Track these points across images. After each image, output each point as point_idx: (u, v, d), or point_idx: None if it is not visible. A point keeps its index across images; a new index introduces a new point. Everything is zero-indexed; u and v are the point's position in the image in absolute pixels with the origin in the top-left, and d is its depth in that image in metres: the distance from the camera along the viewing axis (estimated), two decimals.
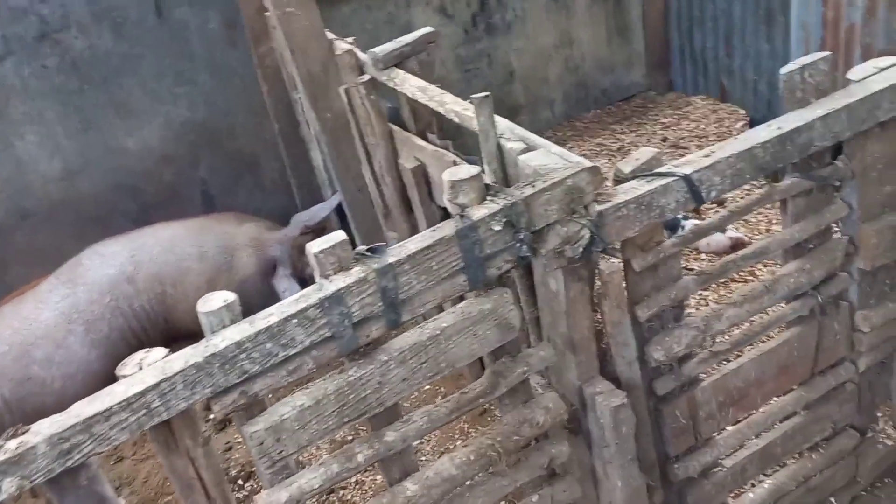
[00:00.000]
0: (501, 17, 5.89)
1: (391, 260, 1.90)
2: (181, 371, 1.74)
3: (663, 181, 2.13)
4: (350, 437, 3.77)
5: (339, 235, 1.93)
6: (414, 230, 3.65)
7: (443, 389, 4.00)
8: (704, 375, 2.59)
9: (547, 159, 2.16)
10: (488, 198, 2.04)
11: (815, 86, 2.39)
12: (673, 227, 4.48)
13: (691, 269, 4.28)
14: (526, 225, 2.02)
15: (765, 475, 2.98)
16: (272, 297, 4.67)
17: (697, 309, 3.88)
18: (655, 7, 6.32)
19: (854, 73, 2.45)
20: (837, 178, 2.51)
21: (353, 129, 3.73)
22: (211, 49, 5.09)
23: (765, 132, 2.25)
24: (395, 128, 3.44)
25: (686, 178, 2.14)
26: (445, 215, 2.32)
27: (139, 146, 5.17)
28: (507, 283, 2.13)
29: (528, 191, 2.02)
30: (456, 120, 2.77)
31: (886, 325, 2.78)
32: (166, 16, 4.89)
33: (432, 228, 1.98)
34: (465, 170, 2.02)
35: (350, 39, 3.86)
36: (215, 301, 1.84)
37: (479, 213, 1.98)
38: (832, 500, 3.06)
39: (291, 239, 4.69)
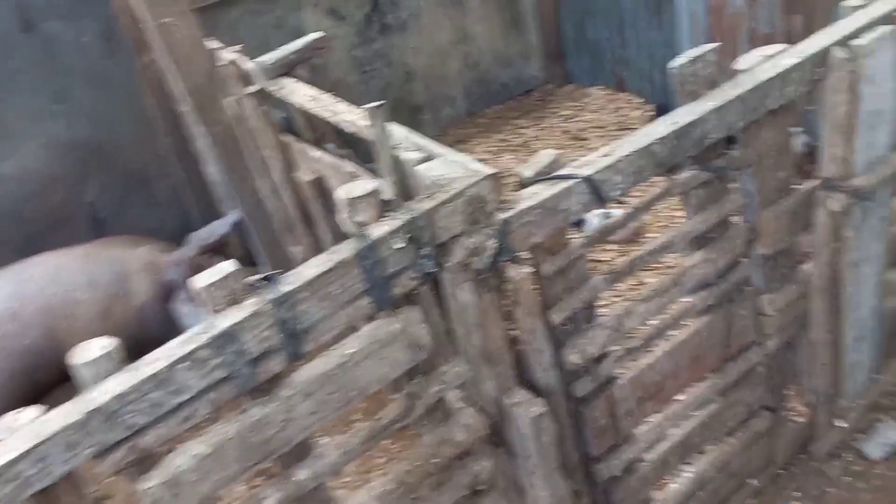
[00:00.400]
0: (395, 17, 5.78)
1: (287, 288, 1.77)
2: (58, 432, 1.56)
3: (565, 184, 2.08)
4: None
5: (228, 266, 1.78)
6: (318, 244, 3.52)
7: (365, 404, 3.88)
8: (621, 373, 2.57)
9: (446, 168, 2.07)
10: (388, 213, 1.93)
11: (706, 77, 2.39)
12: (579, 221, 4.50)
13: (599, 262, 4.31)
14: (429, 239, 1.93)
15: (686, 465, 3.01)
16: (174, 323, 4.43)
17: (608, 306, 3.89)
18: None
19: (742, 62, 2.47)
20: (734, 168, 2.54)
21: (246, 142, 3.55)
22: (88, 62, 4.77)
23: (661, 127, 2.23)
24: (289, 139, 3.29)
25: (588, 180, 2.10)
26: None
27: (18, 170, 4.80)
28: (415, 301, 2.04)
29: (429, 203, 1.92)
30: (351, 129, 2.64)
31: (790, 306, 2.84)
32: (35, 30, 4.55)
33: (330, 251, 1.86)
34: (361, 186, 1.91)
35: (236, 48, 3.68)
36: (93, 350, 1.66)
37: (378, 231, 1.88)
38: (752, 482, 3.11)
39: (189, 259, 4.44)
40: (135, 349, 4.26)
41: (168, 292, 4.41)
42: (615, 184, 2.17)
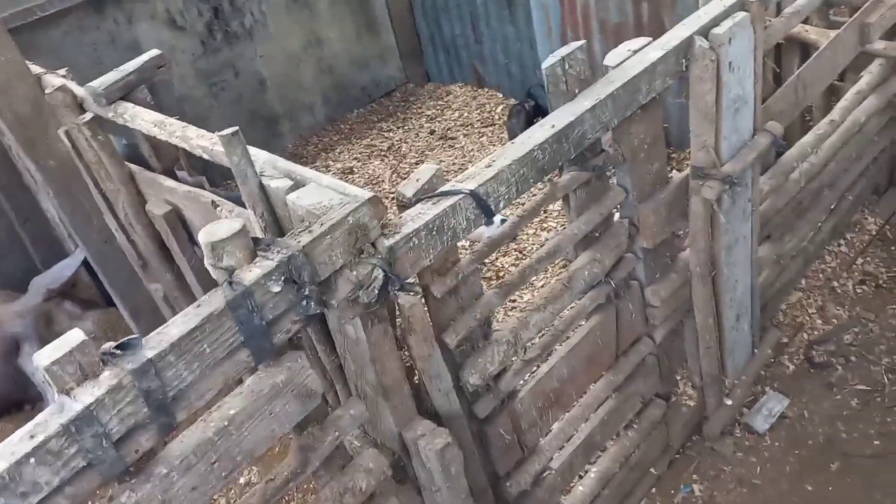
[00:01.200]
0: (240, 23, 5.47)
1: (150, 354, 1.53)
2: None
3: (450, 201, 1.95)
4: None
5: (75, 337, 1.52)
6: (179, 279, 3.21)
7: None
8: (520, 385, 2.49)
9: (320, 196, 1.89)
10: (259, 253, 1.72)
11: (577, 76, 2.33)
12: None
13: (483, 264, 4.23)
14: (310, 278, 1.74)
15: (590, 464, 2.98)
16: (20, 382, 3.96)
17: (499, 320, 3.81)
18: None
19: (610, 58, 2.43)
20: (611, 165, 2.50)
21: (85, 176, 3.19)
22: None
23: (540, 133, 2.14)
24: (135, 168, 2.97)
25: (473, 194, 1.98)
26: None
27: None
28: (300, 345, 1.84)
29: (305, 238, 1.73)
30: (205, 157, 2.39)
31: (673, 295, 2.86)
32: None
33: (196, 304, 1.63)
34: (226, 226, 1.69)
35: (62, 71, 3.29)
36: None
37: (251, 274, 1.67)
38: (652, 470, 3.14)
39: (34, 308, 3.99)
40: None
41: (12, 348, 3.94)
42: (500, 194, 2.06)
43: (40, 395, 3.93)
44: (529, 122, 5.29)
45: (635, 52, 2.44)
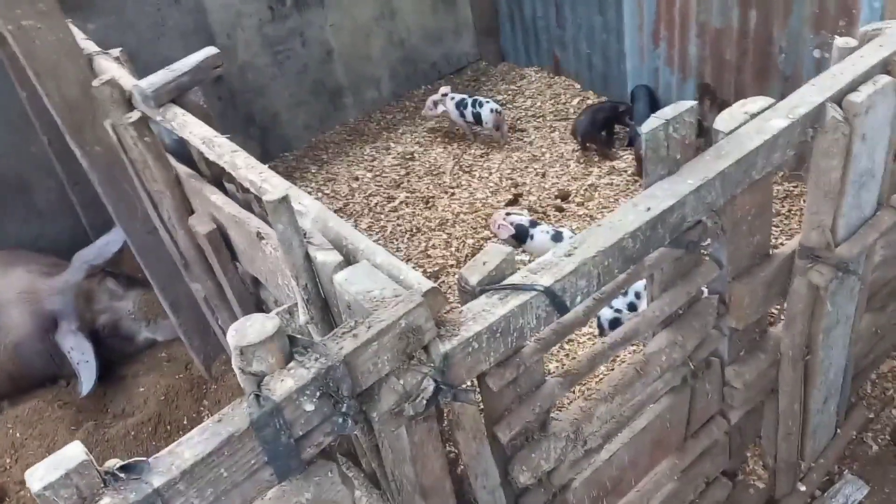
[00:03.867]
0: None
1: (157, 482, 1.32)
2: None
3: (520, 299, 1.67)
4: None
5: (73, 455, 1.32)
6: (220, 290, 3.02)
7: None
8: (575, 476, 2.23)
9: (371, 281, 1.63)
10: (295, 357, 1.48)
11: (681, 140, 1.99)
12: (522, 237, 4.12)
13: None
14: (349, 392, 1.49)
15: None
16: (56, 358, 3.87)
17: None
18: None
19: (722, 121, 2.08)
20: (707, 238, 2.17)
21: (130, 170, 2.99)
22: None
23: (633, 216, 1.83)
24: (182, 173, 2.75)
25: (548, 292, 1.69)
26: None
27: None
28: (331, 455, 1.61)
29: (349, 344, 1.48)
30: (252, 191, 2.15)
31: (759, 377, 2.54)
32: None
33: (216, 418, 1.41)
34: (258, 327, 1.44)
35: (115, 51, 3.07)
36: None
37: (282, 386, 1.43)
38: None
39: (75, 285, 3.88)
40: (10, 386, 3.69)
41: (50, 324, 3.85)
42: (578, 289, 1.77)
43: (75, 373, 3.84)
44: (605, 126, 4.91)
45: (753, 115, 2.07)
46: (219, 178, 2.74)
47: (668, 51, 4.68)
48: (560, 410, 2.29)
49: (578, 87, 5.55)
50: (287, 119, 5.42)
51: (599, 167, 4.76)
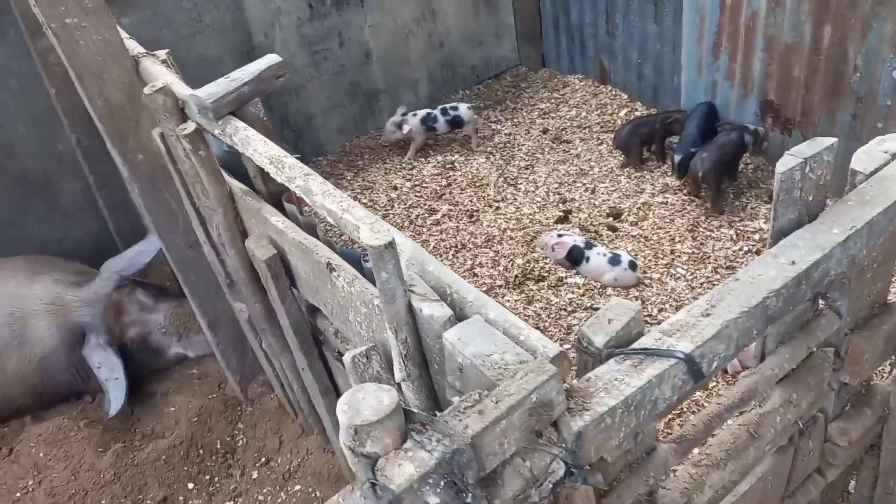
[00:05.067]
0: None
1: None
2: None
3: (657, 367, 1.45)
4: None
5: None
6: (270, 314, 2.80)
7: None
8: None
9: (488, 343, 1.42)
10: (413, 436, 1.27)
11: (816, 181, 1.78)
12: (577, 259, 3.90)
13: (598, 309, 3.73)
14: (474, 479, 1.28)
15: None
16: (82, 373, 3.67)
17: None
18: None
19: (860, 160, 1.86)
20: (831, 286, 1.96)
21: (178, 183, 2.78)
22: None
23: (775, 270, 1.61)
24: (237, 190, 2.54)
25: (687, 359, 1.48)
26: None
27: None
28: None
29: (475, 424, 1.27)
30: (329, 221, 1.93)
31: (864, 434, 2.33)
32: None
33: None
34: (373, 403, 1.23)
35: (163, 53, 2.85)
36: None
37: (400, 472, 1.22)
38: None
39: (105, 297, 3.66)
40: (34, 401, 3.48)
41: (78, 337, 3.64)
42: (717, 354, 1.55)
43: (101, 388, 3.63)
44: (648, 141, 4.65)
45: (894, 156, 1.86)
46: (277, 196, 2.53)
47: (730, 64, 4.45)
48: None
49: (626, 97, 5.33)
50: (322, 122, 5.20)
51: (652, 184, 4.53)
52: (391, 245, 1.45)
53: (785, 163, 1.74)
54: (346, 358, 1.80)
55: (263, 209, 2.44)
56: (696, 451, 2.34)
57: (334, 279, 2.11)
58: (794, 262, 1.63)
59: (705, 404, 3.29)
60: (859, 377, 2.15)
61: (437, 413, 1.32)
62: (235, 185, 2.59)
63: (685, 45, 4.67)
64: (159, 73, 2.63)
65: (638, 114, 5.15)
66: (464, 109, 4.96)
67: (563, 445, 1.37)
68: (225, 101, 2.31)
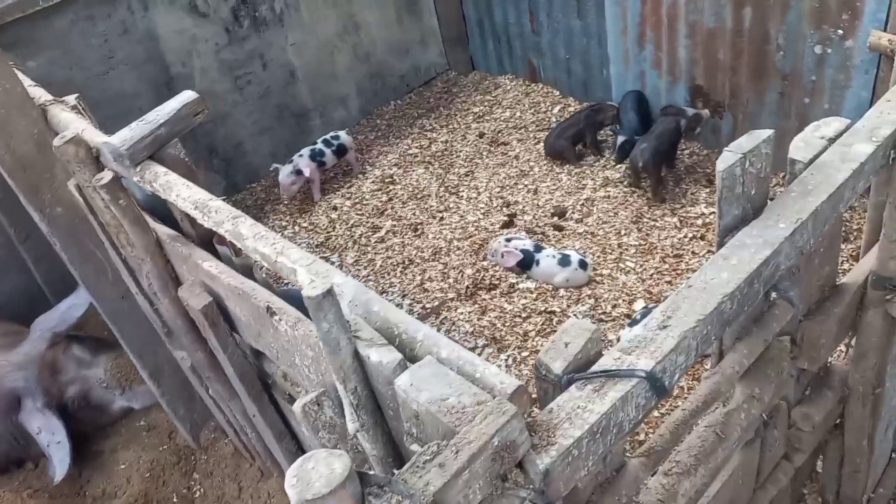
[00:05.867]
0: (269, 8, 4.79)
1: None
2: None
3: (619, 389, 1.40)
4: None
5: None
6: (213, 361, 2.67)
7: None
8: None
9: (443, 385, 1.34)
10: (369, 498, 1.18)
11: (756, 174, 1.75)
12: (527, 264, 3.85)
13: (552, 312, 3.70)
14: None
15: None
16: (21, 440, 3.46)
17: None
18: None
19: (798, 148, 1.84)
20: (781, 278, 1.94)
21: (100, 234, 2.63)
22: None
23: (727, 274, 1.57)
24: (164, 236, 2.40)
25: (650, 377, 1.42)
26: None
27: None
28: None
29: (437, 479, 1.19)
30: (263, 265, 1.83)
31: (826, 417, 2.32)
32: None
33: None
34: (324, 472, 1.14)
35: (72, 99, 2.70)
36: None
37: None
38: None
39: (37, 358, 3.46)
40: None
41: (12, 403, 3.43)
42: (677, 366, 1.50)
43: (43, 453, 3.43)
44: (578, 139, 4.65)
45: (831, 140, 1.84)
46: (207, 238, 2.40)
47: (656, 53, 4.47)
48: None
49: (558, 93, 5.32)
50: (252, 147, 5.05)
51: (593, 179, 4.52)
52: (329, 293, 1.35)
53: (725, 159, 1.70)
54: (297, 407, 1.71)
55: (194, 255, 2.31)
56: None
57: (276, 323, 2.00)
58: (741, 264, 1.59)
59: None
60: (817, 362, 2.14)
61: (396, 471, 1.24)
62: (162, 230, 2.46)
63: (610, 37, 4.67)
64: (69, 121, 2.48)
65: (571, 109, 5.15)
66: (344, 136, 4.87)
67: (531, 486, 1.30)
68: (141, 145, 2.17)
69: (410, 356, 1.48)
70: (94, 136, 2.32)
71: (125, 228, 2.40)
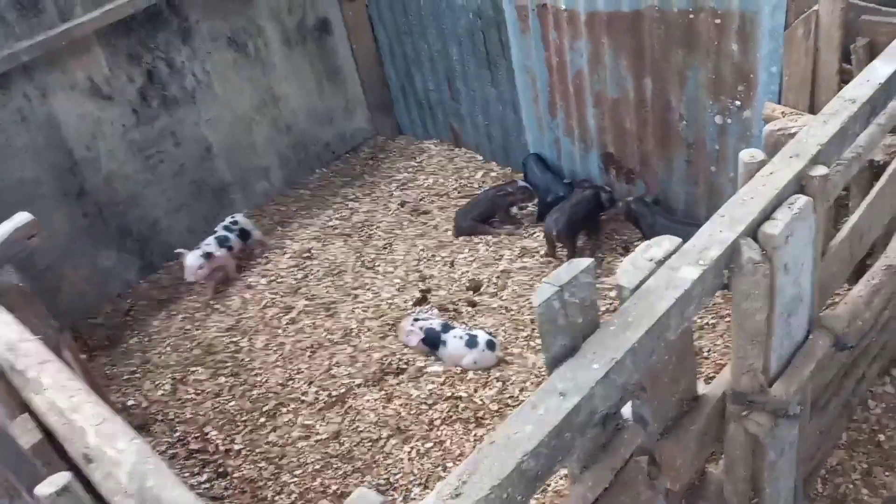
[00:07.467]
0: (180, 87, 4.72)
1: None
2: None
3: None
4: None
5: None
6: None
7: None
8: None
9: None
10: None
11: (580, 304, 1.66)
12: (434, 344, 3.75)
13: (459, 398, 3.58)
14: None
15: None
16: None
17: None
18: (364, 45, 5.49)
19: (626, 273, 1.77)
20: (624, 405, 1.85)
21: None
22: None
23: (531, 426, 1.48)
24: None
25: None
26: None
27: None
28: None
29: None
30: (54, 425, 1.71)
31: None
32: None
33: None
34: None
35: None
36: None
37: None
38: None
39: None
40: None
41: None
42: None
43: None
44: (487, 219, 4.63)
45: (659, 263, 1.77)
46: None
47: (567, 121, 4.44)
48: None
49: (481, 158, 5.28)
50: (168, 225, 4.93)
51: (510, 249, 4.45)
52: (65, 490, 1.24)
53: (542, 292, 1.62)
54: None
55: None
56: None
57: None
58: (544, 416, 1.50)
59: None
60: (679, 481, 2.05)
61: None
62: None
63: (523, 105, 4.64)
64: None
65: (494, 175, 5.11)
66: (242, 219, 4.78)
67: None
68: None
69: None
70: None
71: None
